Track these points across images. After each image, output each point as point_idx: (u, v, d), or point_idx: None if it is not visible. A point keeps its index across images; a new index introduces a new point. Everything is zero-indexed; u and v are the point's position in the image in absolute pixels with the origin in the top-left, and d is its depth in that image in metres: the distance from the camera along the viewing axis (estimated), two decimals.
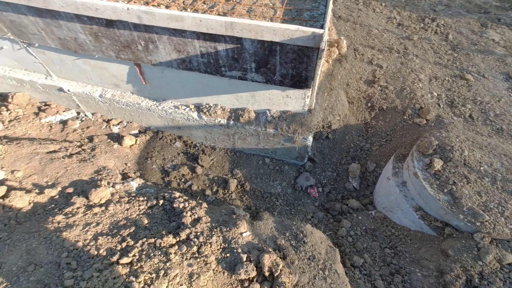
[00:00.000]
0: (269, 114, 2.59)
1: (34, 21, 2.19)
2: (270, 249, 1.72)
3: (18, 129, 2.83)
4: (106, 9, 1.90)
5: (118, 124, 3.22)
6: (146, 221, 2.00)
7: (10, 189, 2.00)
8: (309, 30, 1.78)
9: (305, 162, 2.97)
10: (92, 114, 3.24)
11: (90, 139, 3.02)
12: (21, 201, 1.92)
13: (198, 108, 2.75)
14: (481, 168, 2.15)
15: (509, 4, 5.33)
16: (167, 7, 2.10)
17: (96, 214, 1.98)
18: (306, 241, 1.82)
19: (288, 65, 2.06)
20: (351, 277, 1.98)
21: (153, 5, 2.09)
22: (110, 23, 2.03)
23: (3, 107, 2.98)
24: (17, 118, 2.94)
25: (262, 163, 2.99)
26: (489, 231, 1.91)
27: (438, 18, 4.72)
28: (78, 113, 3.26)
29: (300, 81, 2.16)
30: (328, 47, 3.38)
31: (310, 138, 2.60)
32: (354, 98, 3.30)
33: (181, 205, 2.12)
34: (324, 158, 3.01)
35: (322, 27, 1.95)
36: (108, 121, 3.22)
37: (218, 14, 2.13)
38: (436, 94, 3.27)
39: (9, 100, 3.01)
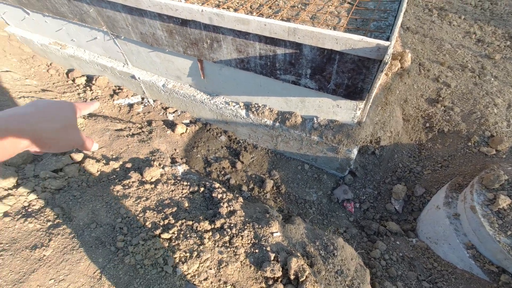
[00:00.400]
0: (315, 121, 2.58)
1: (125, 17, 2.56)
2: (299, 254, 1.74)
3: None
4: (184, 10, 2.12)
5: (173, 112, 3.54)
6: (186, 204, 2.18)
7: (85, 157, 2.37)
8: (374, 41, 1.73)
9: (346, 175, 2.88)
10: (154, 101, 3.61)
11: (149, 123, 3.38)
12: (92, 168, 2.27)
13: (247, 106, 2.87)
14: None
15: None
16: (235, 10, 2.25)
17: (146, 190, 2.23)
18: (336, 254, 1.78)
19: (344, 74, 2.03)
20: None
21: (223, 8, 2.26)
22: (184, 22, 2.26)
23: (87, 87, 3.55)
24: (96, 97, 3.45)
25: (301, 168, 2.98)
26: None
27: None
28: (143, 98, 3.66)
29: (355, 92, 2.11)
30: (390, 59, 3.20)
31: (355, 151, 2.51)
32: (411, 116, 3.07)
33: (219, 196, 2.25)
34: (366, 174, 2.87)
35: (388, 39, 1.87)
36: (165, 109, 3.56)
37: (282, 19, 2.20)
38: None
39: (93, 82, 3.56)
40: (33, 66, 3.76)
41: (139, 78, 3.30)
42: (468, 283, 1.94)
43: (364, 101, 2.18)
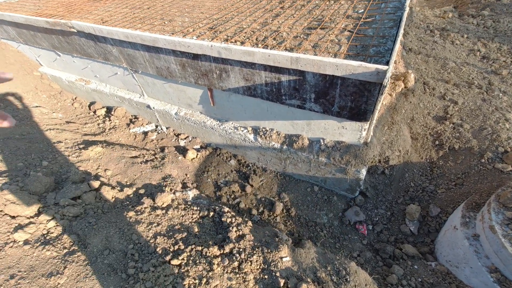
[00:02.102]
0: (322, 143, 2.61)
1: (143, 54, 2.83)
2: (309, 280, 1.69)
3: (113, 136, 3.53)
4: (195, 46, 2.35)
5: (185, 138, 3.68)
6: (196, 229, 2.21)
7: (102, 184, 2.48)
8: (373, 66, 1.81)
9: (356, 196, 2.83)
10: (167, 128, 3.79)
11: (162, 149, 3.52)
12: (107, 195, 2.36)
13: (255, 131, 2.96)
14: None
15: None
16: (242, 43, 2.43)
17: (158, 215, 2.28)
18: (348, 279, 1.72)
19: (347, 98, 2.10)
20: None
21: (231, 42, 2.44)
22: (196, 56, 2.47)
23: (107, 118, 3.79)
24: (114, 127, 3.67)
25: (310, 190, 2.97)
26: None
27: None
28: (157, 126, 3.85)
29: (359, 113, 2.16)
30: (393, 80, 3.27)
31: (364, 172, 2.50)
32: (419, 134, 3.05)
33: (229, 220, 2.27)
34: (377, 194, 2.81)
35: (387, 63, 1.95)
36: (177, 135, 3.71)
37: (286, 49, 2.34)
38: None
39: (112, 112, 3.82)
40: (60, 101, 4.09)
41: (153, 107, 3.50)
42: None
43: (369, 122, 2.22)
